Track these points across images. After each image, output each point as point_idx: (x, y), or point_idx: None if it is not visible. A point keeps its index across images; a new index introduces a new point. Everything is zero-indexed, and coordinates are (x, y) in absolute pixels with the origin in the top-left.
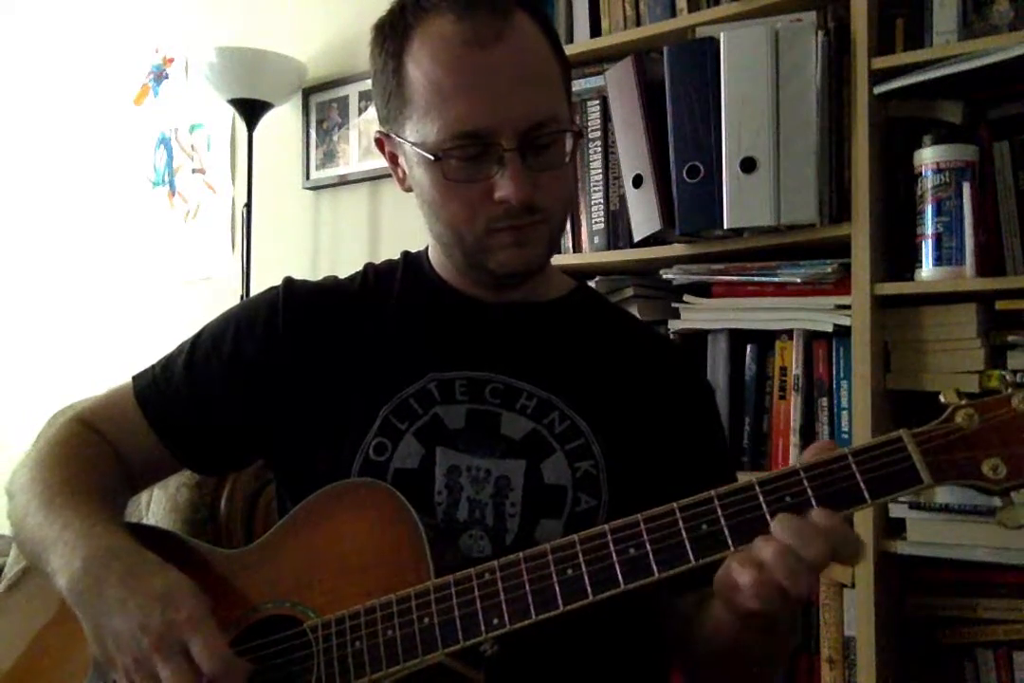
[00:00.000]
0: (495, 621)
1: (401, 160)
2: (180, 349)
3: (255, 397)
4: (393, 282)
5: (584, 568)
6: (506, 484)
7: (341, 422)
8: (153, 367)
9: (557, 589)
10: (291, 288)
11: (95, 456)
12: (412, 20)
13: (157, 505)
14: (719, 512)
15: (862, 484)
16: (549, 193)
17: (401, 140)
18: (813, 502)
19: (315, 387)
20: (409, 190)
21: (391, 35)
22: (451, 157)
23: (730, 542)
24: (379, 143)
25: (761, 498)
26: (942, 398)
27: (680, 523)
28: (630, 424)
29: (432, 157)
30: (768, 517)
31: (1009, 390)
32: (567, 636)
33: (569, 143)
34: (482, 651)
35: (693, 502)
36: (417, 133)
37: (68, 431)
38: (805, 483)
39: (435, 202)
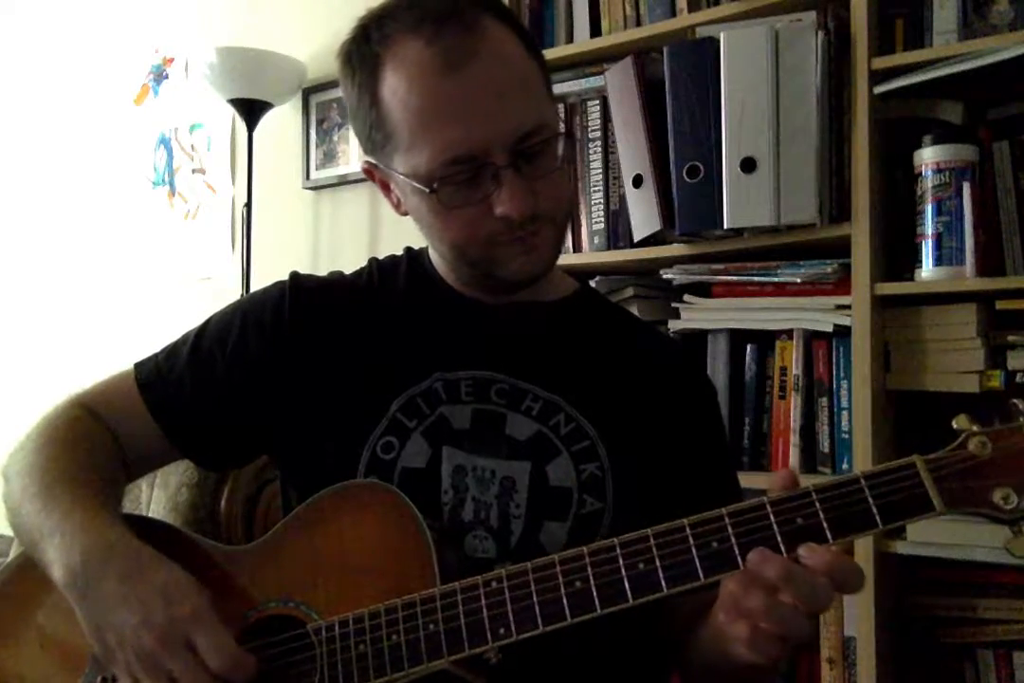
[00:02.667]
0: (502, 630)
1: (394, 187)
2: (184, 338)
3: (259, 392)
4: (397, 279)
5: (592, 581)
6: (511, 485)
7: (348, 418)
8: (156, 355)
9: (565, 601)
10: (298, 283)
11: (95, 443)
12: (379, 48)
13: (157, 505)
14: (729, 530)
15: (874, 509)
16: (548, 198)
17: (391, 171)
18: (824, 525)
19: (321, 383)
20: (406, 214)
21: (360, 66)
22: (446, 185)
23: (740, 561)
24: (368, 173)
25: (772, 518)
26: (954, 424)
27: (690, 540)
28: (635, 426)
29: (427, 189)
30: (779, 537)
31: (1022, 419)
32: (570, 645)
33: (561, 145)
34: (486, 659)
35: (703, 519)
36: (406, 164)
37: (68, 415)
38: (817, 505)
39: (435, 226)
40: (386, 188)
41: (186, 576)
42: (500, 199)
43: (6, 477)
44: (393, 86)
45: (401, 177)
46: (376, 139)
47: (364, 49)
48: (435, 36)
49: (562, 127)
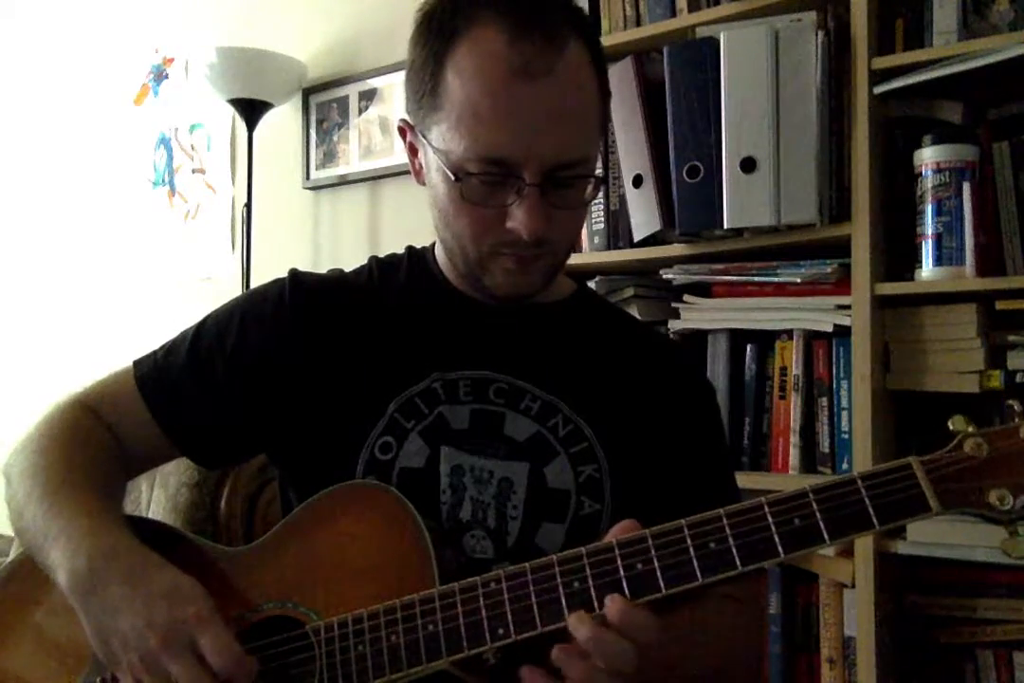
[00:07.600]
0: (500, 631)
1: (421, 155)
2: (183, 336)
3: (258, 390)
4: (397, 278)
5: (591, 582)
6: (509, 486)
7: (346, 418)
8: (155, 353)
9: (563, 602)
10: (297, 280)
11: (96, 444)
12: (462, 25)
13: (157, 505)
14: (727, 531)
15: (871, 509)
16: (560, 229)
17: (425, 141)
18: (821, 525)
19: (320, 382)
20: (423, 184)
21: (437, 34)
22: (471, 179)
23: (737, 562)
24: (402, 131)
25: (770, 519)
26: (951, 426)
27: (688, 540)
28: (633, 427)
29: (453, 176)
30: (776, 538)
31: (1017, 420)
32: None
33: (591, 188)
34: (484, 660)
35: (701, 520)
36: (443, 141)
37: (68, 415)
38: (814, 506)
39: (446, 212)
40: (414, 153)
41: (190, 579)
42: (516, 213)
43: (8, 477)
44: (461, 66)
45: (432, 151)
46: (424, 105)
47: (447, 18)
48: (519, 38)
49: (599, 171)
